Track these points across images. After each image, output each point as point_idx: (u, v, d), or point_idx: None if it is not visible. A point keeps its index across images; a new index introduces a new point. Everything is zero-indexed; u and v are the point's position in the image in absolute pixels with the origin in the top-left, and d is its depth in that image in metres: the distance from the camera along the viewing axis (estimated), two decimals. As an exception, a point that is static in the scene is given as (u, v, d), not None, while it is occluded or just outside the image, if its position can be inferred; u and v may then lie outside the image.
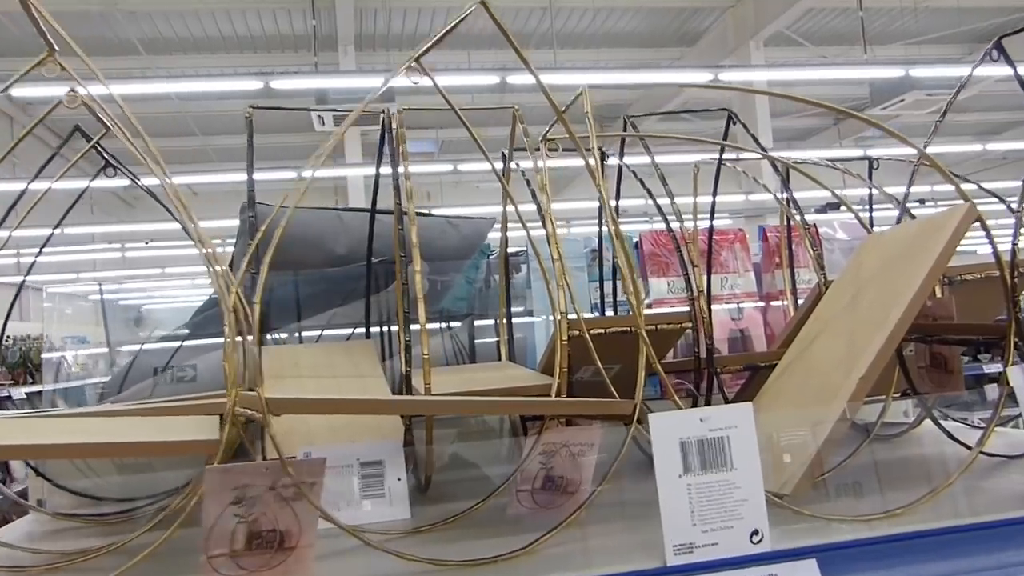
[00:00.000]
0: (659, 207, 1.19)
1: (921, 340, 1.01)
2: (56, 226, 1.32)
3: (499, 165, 1.29)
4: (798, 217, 1.32)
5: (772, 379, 1.04)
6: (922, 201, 8.03)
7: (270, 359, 1.26)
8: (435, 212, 1.88)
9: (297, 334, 1.65)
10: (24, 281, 1.52)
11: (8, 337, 4.99)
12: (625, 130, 1.31)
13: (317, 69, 8.68)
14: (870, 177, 1.61)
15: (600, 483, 0.89)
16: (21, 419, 1.17)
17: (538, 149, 1.21)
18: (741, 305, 1.54)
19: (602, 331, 1.07)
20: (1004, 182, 1.70)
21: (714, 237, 1.57)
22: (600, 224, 1.45)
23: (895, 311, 0.86)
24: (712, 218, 1.47)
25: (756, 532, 0.75)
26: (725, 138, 1.37)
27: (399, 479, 1.01)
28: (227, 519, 0.69)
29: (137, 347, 1.53)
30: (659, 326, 1.09)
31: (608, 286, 1.47)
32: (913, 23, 9.78)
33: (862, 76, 8.35)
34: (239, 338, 0.79)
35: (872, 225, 1.42)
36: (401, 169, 1.14)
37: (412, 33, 10.21)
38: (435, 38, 0.91)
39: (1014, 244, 0.91)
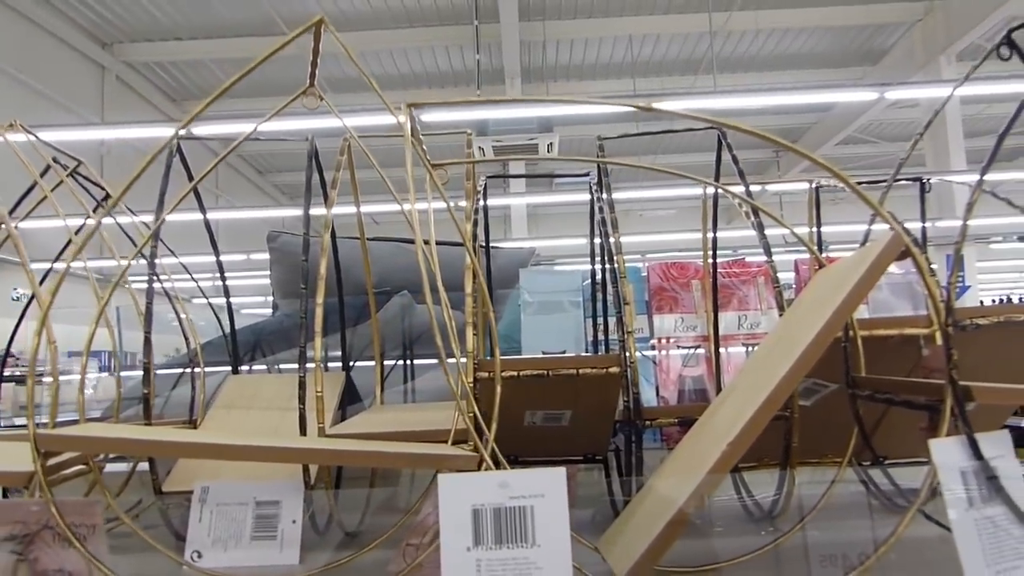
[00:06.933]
0: (609, 244, 1.08)
1: (855, 398, 0.84)
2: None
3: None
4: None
5: (686, 438, 0.90)
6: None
7: (234, 387, 1.28)
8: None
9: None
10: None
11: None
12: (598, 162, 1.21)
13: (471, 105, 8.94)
14: (922, 201, 1.38)
15: (436, 537, 0.81)
16: None
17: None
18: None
19: (514, 374, 0.98)
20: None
21: (734, 271, 1.42)
22: (592, 261, 1.35)
23: (784, 365, 0.71)
24: (715, 253, 1.33)
25: (560, 622, 0.64)
26: (718, 166, 1.23)
27: (294, 521, 0.98)
28: (4, 556, 0.69)
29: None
30: (580, 370, 0.98)
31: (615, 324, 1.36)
32: None
33: (1071, 89, 7.34)
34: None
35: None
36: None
37: (579, 63, 10.31)
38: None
39: (951, 282, 0.73)
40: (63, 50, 8.54)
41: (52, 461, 0.78)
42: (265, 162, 13.19)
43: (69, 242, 1.17)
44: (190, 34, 9.12)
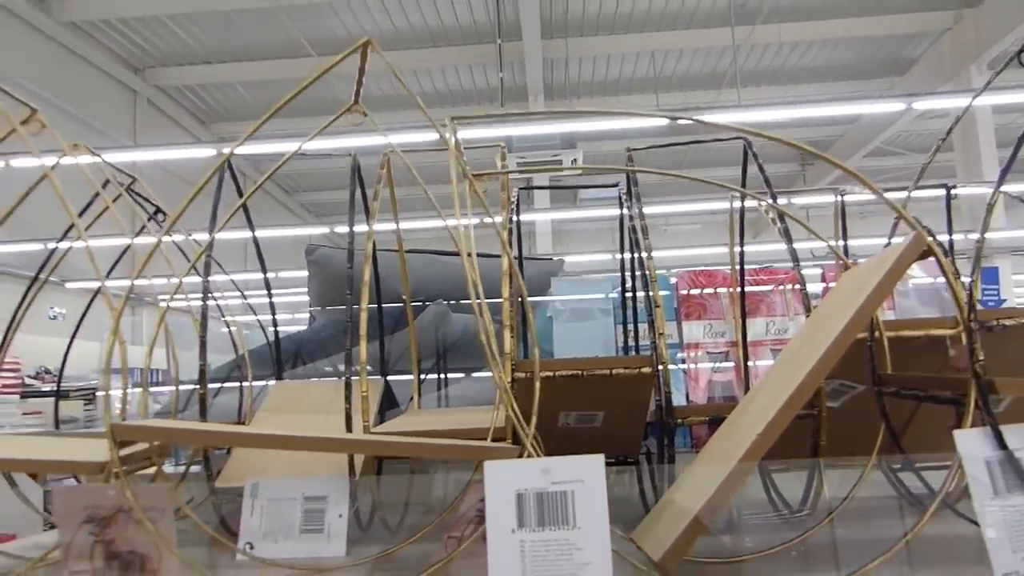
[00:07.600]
0: (639, 256, 1.12)
1: (881, 394, 0.86)
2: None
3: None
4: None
5: (716, 434, 0.93)
6: None
7: (280, 392, 1.34)
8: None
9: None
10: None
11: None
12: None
13: (504, 120, 9.03)
14: (948, 207, 1.41)
15: (476, 529, 0.85)
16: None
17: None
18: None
19: (550, 375, 1.02)
20: None
21: (761, 278, 1.45)
22: (623, 269, 1.39)
23: (809, 363, 0.75)
24: (743, 260, 1.37)
25: (596, 600, 0.68)
26: (744, 175, 1.27)
27: (340, 515, 1.02)
28: (83, 537, 0.74)
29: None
30: (614, 371, 1.02)
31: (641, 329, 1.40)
32: None
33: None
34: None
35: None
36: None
37: (602, 79, 10.37)
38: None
39: (973, 277, 0.76)
40: (97, 76, 8.80)
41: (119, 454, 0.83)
42: (292, 181, 13.39)
43: (123, 254, 1.23)
44: (219, 58, 9.33)
